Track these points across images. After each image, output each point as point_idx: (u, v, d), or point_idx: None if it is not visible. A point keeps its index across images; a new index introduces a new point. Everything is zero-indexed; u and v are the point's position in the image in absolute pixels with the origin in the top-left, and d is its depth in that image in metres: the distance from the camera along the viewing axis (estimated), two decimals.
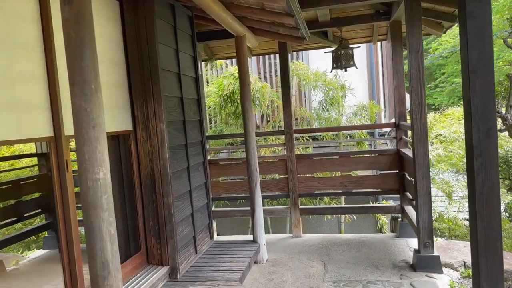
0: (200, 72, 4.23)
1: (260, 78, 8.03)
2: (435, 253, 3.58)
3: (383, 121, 7.84)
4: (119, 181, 3.15)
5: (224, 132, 6.09)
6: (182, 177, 3.40)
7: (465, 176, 6.76)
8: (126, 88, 3.08)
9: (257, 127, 7.89)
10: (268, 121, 7.34)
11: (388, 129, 7.21)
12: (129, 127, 3.08)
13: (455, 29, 19.84)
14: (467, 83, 2.03)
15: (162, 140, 3.07)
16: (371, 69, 7.46)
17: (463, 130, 6.38)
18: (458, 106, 7.33)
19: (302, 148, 5.85)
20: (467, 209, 6.36)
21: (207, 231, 3.90)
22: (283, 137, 4.82)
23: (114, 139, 3.12)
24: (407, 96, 5.39)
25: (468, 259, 3.87)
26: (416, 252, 3.66)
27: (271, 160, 4.95)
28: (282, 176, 4.93)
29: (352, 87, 6.52)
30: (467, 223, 5.58)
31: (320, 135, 6.24)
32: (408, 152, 4.37)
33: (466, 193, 6.42)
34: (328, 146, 6.70)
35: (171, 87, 3.31)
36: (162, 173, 3.08)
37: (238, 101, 5.83)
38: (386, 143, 6.85)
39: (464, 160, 6.22)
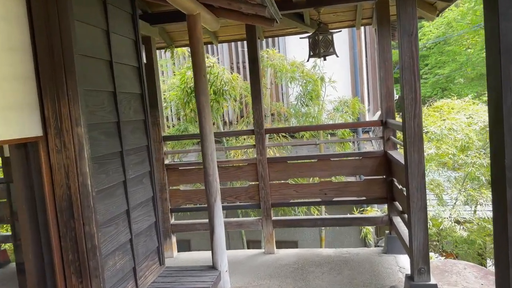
0: (144, 60, 3.48)
1: (232, 69, 7.29)
2: (432, 281, 2.95)
3: (367, 117, 7.20)
4: (28, 204, 2.40)
5: (190, 131, 5.35)
6: (115, 194, 2.66)
7: (457, 176, 6.17)
8: (33, 81, 2.32)
9: (230, 123, 7.16)
10: (242, 117, 6.62)
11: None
12: (37, 132, 2.32)
13: (439, 19, 19.32)
14: (496, 70, 1.35)
15: (80, 149, 2.32)
16: (354, 59, 6.79)
17: (455, 128, 5.79)
18: (448, 98, 6.72)
19: (278, 148, 5.12)
20: (460, 211, 5.69)
21: (155, 257, 3.18)
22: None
23: (20, 148, 2.36)
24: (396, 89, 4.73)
25: (471, 286, 3.25)
26: (409, 279, 3.02)
27: (239, 164, 4.24)
28: (252, 183, 4.23)
29: (333, 80, 5.84)
30: (462, 232, 4.98)
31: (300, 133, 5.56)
32: (397, 155, 3.73)
33: (458, 197, 5.87)
34: (308, 144, 6.02)
35: (97, 78, 2.55)
36: (82, 193, 2.34)
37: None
38: (372, 143, 6.20)
39: (457, 158, 5.61)
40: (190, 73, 5.04)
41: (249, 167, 4.21)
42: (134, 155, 2.95)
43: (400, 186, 3.63)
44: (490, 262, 6.15)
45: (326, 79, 5.72)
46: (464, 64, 20.68)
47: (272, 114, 6.97)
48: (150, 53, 4.22)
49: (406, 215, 3.22)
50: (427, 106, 9.78)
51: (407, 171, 2.93)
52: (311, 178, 4.70)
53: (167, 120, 6.97)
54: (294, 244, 6.56)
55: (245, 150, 5.14)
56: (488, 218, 5.01)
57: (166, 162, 4.35)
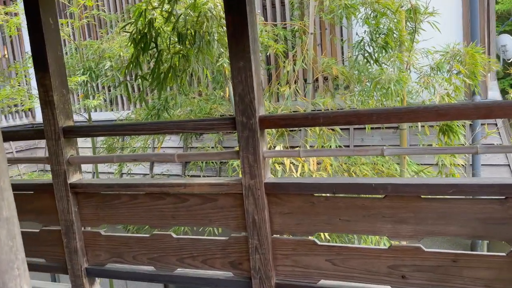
0: None
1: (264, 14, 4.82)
2: None
3: (489, 86, 4.32)
4: None
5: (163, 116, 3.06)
6: None
7: None
8: None
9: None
10: (270, 83, 4.20)
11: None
12: None
13: None
14: None
15: None
16: None
17: None
18: None
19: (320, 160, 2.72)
20: None
21: None
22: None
23: None
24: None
25: None
26: None
27: (208, 192, 2.00)
28: (235, 235, 1.99)
29: (432, 11, 3.18)
30: None
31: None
32: None
33: None
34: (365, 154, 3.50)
35: None
36: None
37: (163, 44, 2.76)
38: (507, 159, 3.45)
39: None
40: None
41: (228, 201, 1.97)
42: None
43: None
44: None
45: (421, 10, 3.07)
46: None
47: (325, 78, 4.49)
48: None
49: None
50: None
51: None
52: (370, 237, 2.27)
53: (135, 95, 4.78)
54: None
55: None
56: None
57: (73, 180, 2.25)
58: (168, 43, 2.68)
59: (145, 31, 2.53)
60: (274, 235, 1.92)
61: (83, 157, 2.30)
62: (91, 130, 2.28)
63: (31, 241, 2.45)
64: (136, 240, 2.21)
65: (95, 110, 5.91)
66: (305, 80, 3.80)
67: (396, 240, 1.78)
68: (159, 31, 2.57)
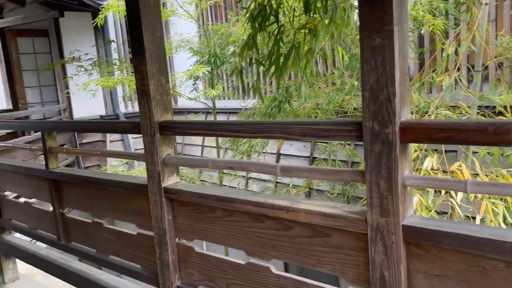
0: None
1: None
2: None
3: None
4: None
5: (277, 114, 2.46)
6: None
7: None
8: None
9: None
10: (421, 69, 3.30)
11: None
12: None
13: None
14: None
15: None
16: None
17: None
18: None
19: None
20: None
21: None
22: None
23: None
24: None
25: None
26: None
27: (317, 222, 1.42)
28: None
29: None
30: None
31: None
32: None
33: None
34: None
35: None
36: None
37: (286, 19, 2.17)
38: None
39: None
40: None
41: (346, 240, 1.39)
42: None
43: None
44: None
45: None
46: None
47: (500, 65, 3.40)
48: None
49: None
50: None
51: None
52: None
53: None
54: None
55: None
56: None
57: (168, 183, 1.92)
58: (292, 15, 2.16)
59: (265, 3, 2.05)
60: None
61: (179, 158, 1.96)
62: (186, 127, 1.90)
63: (129, 243, 2.25)
64: (230, 265, 1.78)
65: (228, 98, 5.79)
66: (472, 67, 2.87)
67: None
68: (281, 1, 2.06)
